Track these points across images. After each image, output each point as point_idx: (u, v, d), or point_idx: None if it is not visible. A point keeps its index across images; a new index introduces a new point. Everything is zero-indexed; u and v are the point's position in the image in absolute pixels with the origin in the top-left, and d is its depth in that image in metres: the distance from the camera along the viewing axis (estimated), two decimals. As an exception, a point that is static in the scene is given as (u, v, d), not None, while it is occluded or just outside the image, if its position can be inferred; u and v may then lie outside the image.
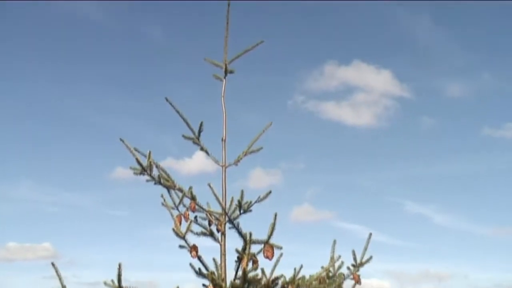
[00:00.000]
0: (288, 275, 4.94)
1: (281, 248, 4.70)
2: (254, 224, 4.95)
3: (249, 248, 4.60)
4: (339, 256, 5.10)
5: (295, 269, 4.92)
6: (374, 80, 25.64)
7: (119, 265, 3.98)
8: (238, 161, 5.54)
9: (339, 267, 5.20)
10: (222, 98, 5.66)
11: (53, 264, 4.52)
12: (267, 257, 4.66)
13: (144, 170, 5.05)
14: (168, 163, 5.52)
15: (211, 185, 4.98)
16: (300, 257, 5.36)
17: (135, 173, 5.04)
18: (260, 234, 4.80)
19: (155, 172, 5.15)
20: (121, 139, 4.96)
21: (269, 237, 4.66)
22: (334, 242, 5.23)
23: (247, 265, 4.57)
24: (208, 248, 5.22)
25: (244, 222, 5.00)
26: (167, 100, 5.31)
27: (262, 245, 4.80)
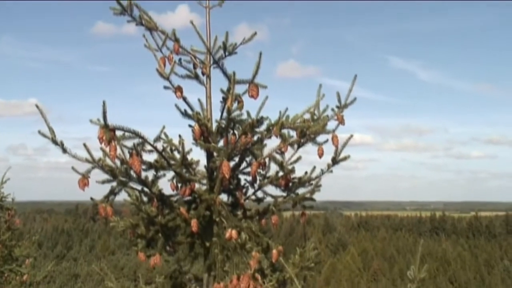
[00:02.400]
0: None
1: (265, 87, 4.70)
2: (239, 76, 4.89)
3: (234, 88, 4.60)
4: (323, 95, 5.09)
5: (280, 111, 4.94)
6: None
7: (104, 103, 3.96)
8: (223, 2, 5.35)
9: (324, 110, 5.22)
10: None
11: (37, 106, 4.50)
12: (252, 96, 4.68)
13: (124, 10, 4.87)
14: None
15: (194, 23, 4.84)
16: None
17: (115, 13, 4.86)
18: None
19: (136, 13, 4.98)
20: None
21: (254, 76, 4.64)
22: (320, 86, 5.22)
23: (231, 105, 4.60)
24: (193, 93, 5.23)
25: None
26: None
27: (247, 86, 4.81)
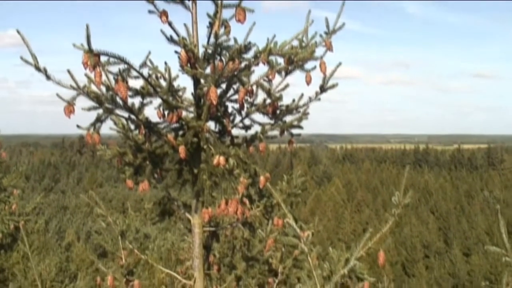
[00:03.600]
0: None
1: (252, 11, 4.59)
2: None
3: (221, 12, 4.49)
4: (312, 21, 5.00)
5: (268, 38, 4.84)
6: None
7: (87, 27, 3.85)
8: None
9: (312, 37, 5.14)
10: None
11: (18, 32, 4.37)
12: (239, 20, 4.58)
13: None
14: None
15: None
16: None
17: None
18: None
19: None
20: None
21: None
22: (309, 12, 5.11)
23: (219, 29, 4.51)
24: (179, 21, 5.09)
25: None
26: None
27: (234, 11, 4.69)
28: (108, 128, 5.09)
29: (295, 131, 5.41)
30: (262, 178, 4.94)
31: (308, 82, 4.98)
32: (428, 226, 68.82)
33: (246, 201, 4.59)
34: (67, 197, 78.78)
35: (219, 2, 4.47)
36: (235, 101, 5.17)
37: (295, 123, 5.34)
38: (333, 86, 5.29)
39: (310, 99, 5.35)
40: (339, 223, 66.84)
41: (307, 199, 73.91)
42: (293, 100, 5.34)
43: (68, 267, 30.55)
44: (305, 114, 5.36)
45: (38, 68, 4.30)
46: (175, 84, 5.01)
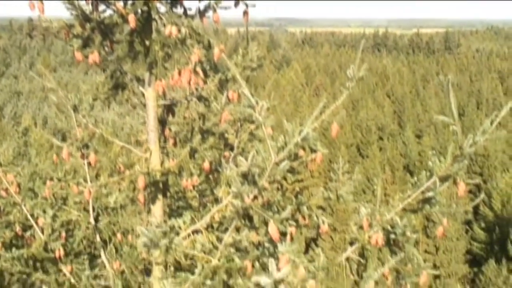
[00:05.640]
0: None
1: None
2: None
3: None
4: None
5: None
6: None
7: None
8: None
9: None
10: None
11: None
12: None
13: None
14: None
15: None
16: None
17: None
18: None
19: None
20: None
21: None
22: None
23: None
24: None
25: None
26: None
27: None
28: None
29: (250, 2, 5.21)
30: (216, 50, 4.83)
31: None
32: (383, 110, 70.64)
33: (199, 71, 4.50)
34: (20, 82, 76.69)
35: None
36: (188, -32, 4.90)
37: (251, -8, 5.12)
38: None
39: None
40: (297, 107, 67.70)
41: (266, 84, 74.02)
42: (249, -32, 5.09)
43: (27, 152, 30.44)
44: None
45: None
46: None
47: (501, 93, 76.67)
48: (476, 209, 45.74)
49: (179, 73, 4.44)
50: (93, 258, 6.70)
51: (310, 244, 35.81)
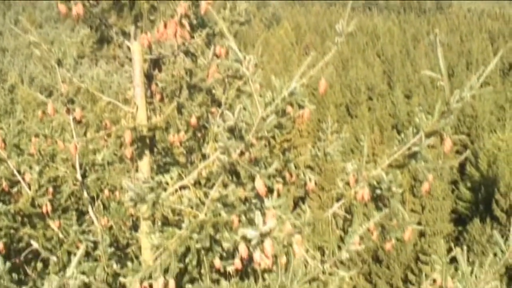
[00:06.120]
0: None
1: None
2: None
3: None
4: None
5: None
6: None
7: None
8: None
9: None
10: None
11: None
12: None
13: None
14: None
15: None
16: None
17: None
18: None
19: None
20: None
21: None
22: None
23: None
24: None
25: None
26: None
27: None
28: None
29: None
30: (203, 3, 4.72)
31: None
32: (373, 69, 70.44)
33: (186, 23, 4.41)
34: (5, 39, 75.36)
35: None
36: None
37: None
38: None
39: None
40: (287, 65, 67.30)
41: (255, 42, 73.30)
42: None
43: (14, 109, 30.12)
44: None
45: None
46: None
47: (491, 53, 76.52)
48: (462, 169, 46.32)
49: (165, 26, 4.36)
50: (81, 214, 6.72)
51: (298, 203, 36.19)
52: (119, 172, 6.89)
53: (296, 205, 34.93)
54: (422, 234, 38.74)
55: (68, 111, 5.80)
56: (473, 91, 4.52)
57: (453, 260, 4.49)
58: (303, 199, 39.41)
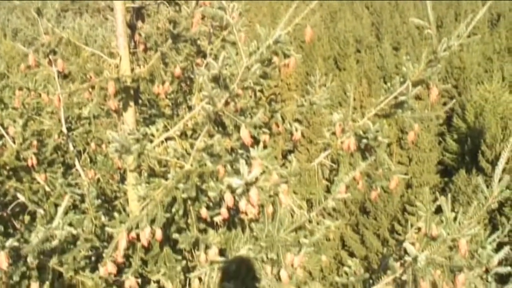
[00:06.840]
0: None
1: None
2: None
3: None
4: None
5: None
6: None
7: None
8: None
9: None
10: None
11: None
12: None
13: None
14: None
15: None
16: None
17: None
18: None
19: None
20: None
21: None
22: None
23: None
24: None
25: None
26: None
27: None
28: None
29: None
30: None
31: None
32: (361, 22, 69.69)
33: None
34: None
35: None
36: None
37: None
38: None
39: None
40: (275, 18, 66.29)
41: (243, -6, 71.90)
42: None
43: (-3, 64, 29.58)
44: None
45: None
46: None
47: (479, 4, 75.85)
48: (449, 121, 46.57)
49: (146, -28, 4.23)
50: (68, 168, 6.69)
51: (286, 156, 36.37)
52: (106, 126, 6.84)
53: (284, 158, 35.10)
54: (409, 186, 39.26)
55: (50, 62, 5.68)
56: (460, 39, 4.48)
57: (439, 210, 4.54)
58: (291, 152, 39.62)
